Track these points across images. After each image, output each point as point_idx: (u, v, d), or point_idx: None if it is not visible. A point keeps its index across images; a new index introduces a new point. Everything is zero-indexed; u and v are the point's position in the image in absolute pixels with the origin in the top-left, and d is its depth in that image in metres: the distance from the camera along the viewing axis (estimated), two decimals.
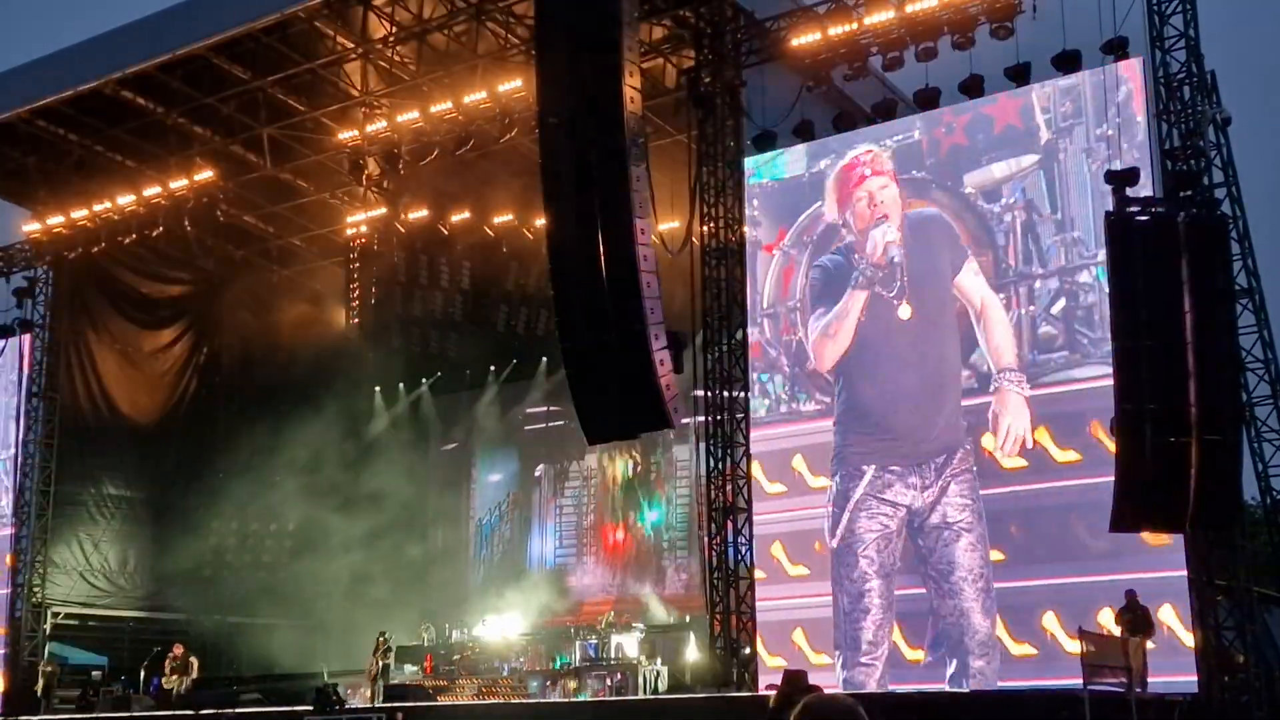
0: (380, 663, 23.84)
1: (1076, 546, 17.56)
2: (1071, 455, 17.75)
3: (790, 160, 21.15)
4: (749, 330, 20.76)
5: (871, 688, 18.23)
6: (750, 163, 21.38)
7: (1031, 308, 18.61)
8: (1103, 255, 17.15)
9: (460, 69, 24.25)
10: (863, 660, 18.75)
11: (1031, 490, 18.02)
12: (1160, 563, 16.88)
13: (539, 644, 25.56)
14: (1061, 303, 18.43)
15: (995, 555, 18.15)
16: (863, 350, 19.64)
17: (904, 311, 19.25)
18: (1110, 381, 15.33)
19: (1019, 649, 17.80)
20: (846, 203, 20.13)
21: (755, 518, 20.17)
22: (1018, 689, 17.01)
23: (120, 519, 30.27)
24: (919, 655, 18.49)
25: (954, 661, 18.09)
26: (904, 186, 19.82)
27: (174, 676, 25.28)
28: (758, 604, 19.83)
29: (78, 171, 27.82)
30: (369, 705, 22.03)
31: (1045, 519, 17.95)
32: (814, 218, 20.67)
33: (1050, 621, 17.51)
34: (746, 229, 21.15)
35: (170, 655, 25.65)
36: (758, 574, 19.92)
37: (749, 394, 20.63)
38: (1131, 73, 18.22)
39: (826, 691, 4.28)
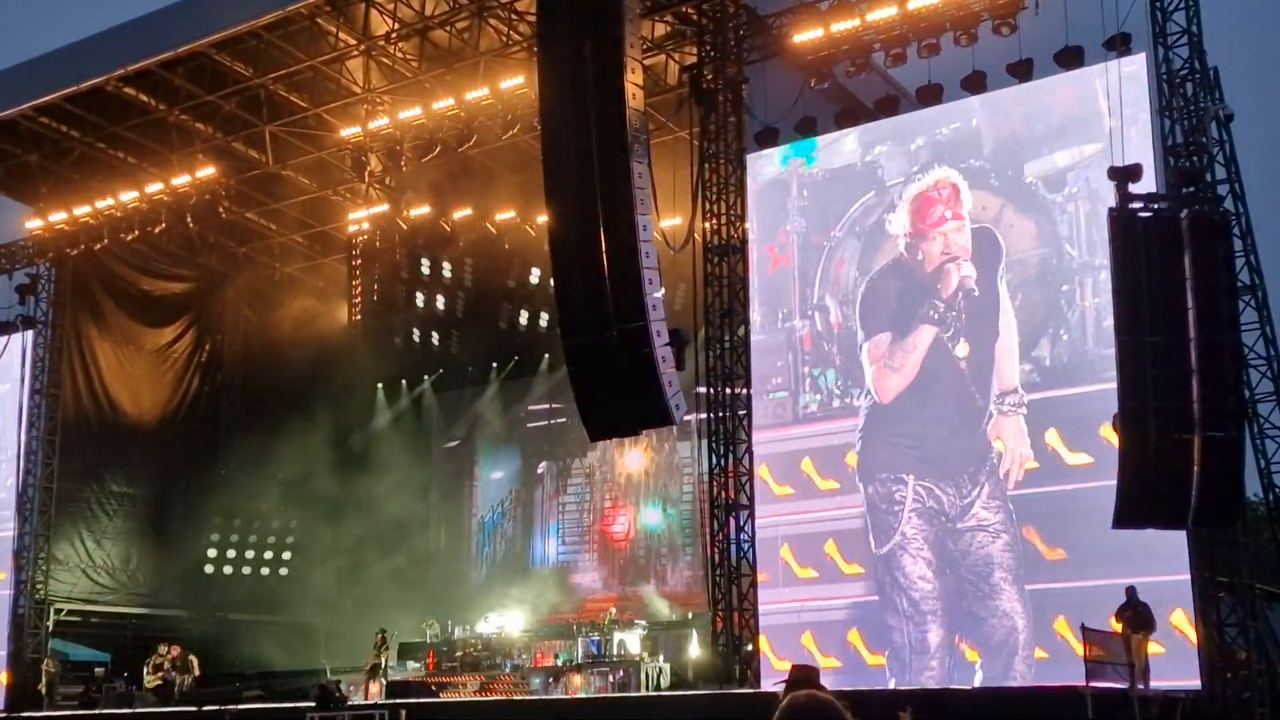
0: (374, 660, 23.88)
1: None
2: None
3: (838, 148, 20.75)
4: (801, 324, 20.56)
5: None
6: (779, 152, 21.16)
7: (1096, 300, 18.05)
8: None
9: (462, 66, 24.25)
10: (931, 665, 18.41)
11: (1091, 488, 17.37)
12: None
13: (541, 641, 25.56)
14: None
15: (1057, 553, 17.89)
16: (921, 383, 19.28)
17: (961, 350, 18.89)
18: None
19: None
20: (920, 235, 19.50)
21: (765, 519, 20.11)
22: (1021, 686, 17.00)
23: (123, 516, 30.29)
24: (975, 657, 18.27)
25: (1000, 661, 17.97)
26: (963, 176, 19.44)
27: (155, 676, 25.20)
28: (767, 607, 19.76)
29: (80, 168, 27.84)
30: (372, 702, 22.04)
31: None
32: (866, 208, 20.28)
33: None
34: (797, 219, 20.98)
35: (156, 653, 25.63)
36: (762, 576, 19.86)
37: (750, 390, 20.61)
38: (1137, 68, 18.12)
39: (817, 691, 4.25)
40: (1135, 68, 18.19)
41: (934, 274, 19.28)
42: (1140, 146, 17.35)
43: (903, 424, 19.30)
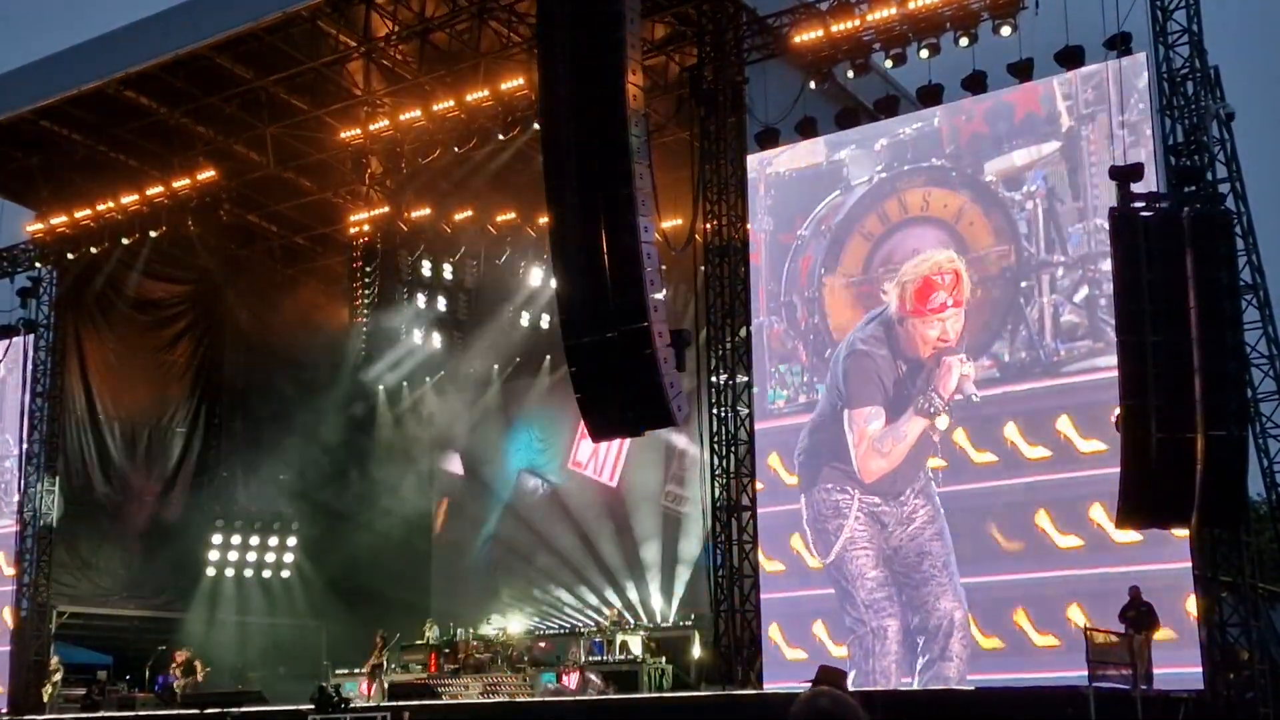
0: (374, 662, 23.92)
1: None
2: (1096, 445, 17.60)
3: (805, 151, 21.00)
4: (768, 320, 20.70)
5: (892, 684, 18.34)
6: (756, 159, 21.34)
7: (1054, 296, 18.52)
8: None
9: (462, 67, 24.25)
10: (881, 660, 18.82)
11: (1056, 480, 17.93)
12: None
13: (544, 642, 25.57)
14: (1084, 291, 18.31)
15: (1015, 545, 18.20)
16: (903, 466, 19.30)
17: (942, 422, 19.00)
18: None
19: (988, 643, 18.14)
20: (915, 315, 19.38)
21: (773, 510, 20.13)
22: (1022, 686, 16.98)
23: (124, 518, 30.26)
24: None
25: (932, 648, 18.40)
26: (925, 174, 19.67)
27: (184, 680, 25.39)
28: (778, 596, 19.81)
29: (81, 171, 27.83)
30: (374, 704, 22.05)
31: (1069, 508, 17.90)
32: (833, 207, 20.49)
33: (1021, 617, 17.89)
34: (764, 218, 21.06)
35: (173, 661, 25.72)
36: (776, 565, 19.89)
37: (753, 390, 20.61)
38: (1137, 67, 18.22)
39: (824, 689, 4.23)
40: (1092, 70, 18.57)
41: (929, 363, 19.16)
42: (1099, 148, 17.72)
43: (849, 464, 19.67)
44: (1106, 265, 17.38)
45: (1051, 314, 18.52)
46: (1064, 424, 18.01)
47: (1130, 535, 16.52)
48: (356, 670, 24.71)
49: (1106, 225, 17.01)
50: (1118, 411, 15.03)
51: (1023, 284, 18.76)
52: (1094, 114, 18.47)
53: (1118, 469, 14.94)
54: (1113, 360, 16.81)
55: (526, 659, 24.52)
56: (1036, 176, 18.89)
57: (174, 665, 25.65)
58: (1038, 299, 18.63)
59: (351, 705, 21.04)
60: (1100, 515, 17.18)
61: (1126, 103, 17.93)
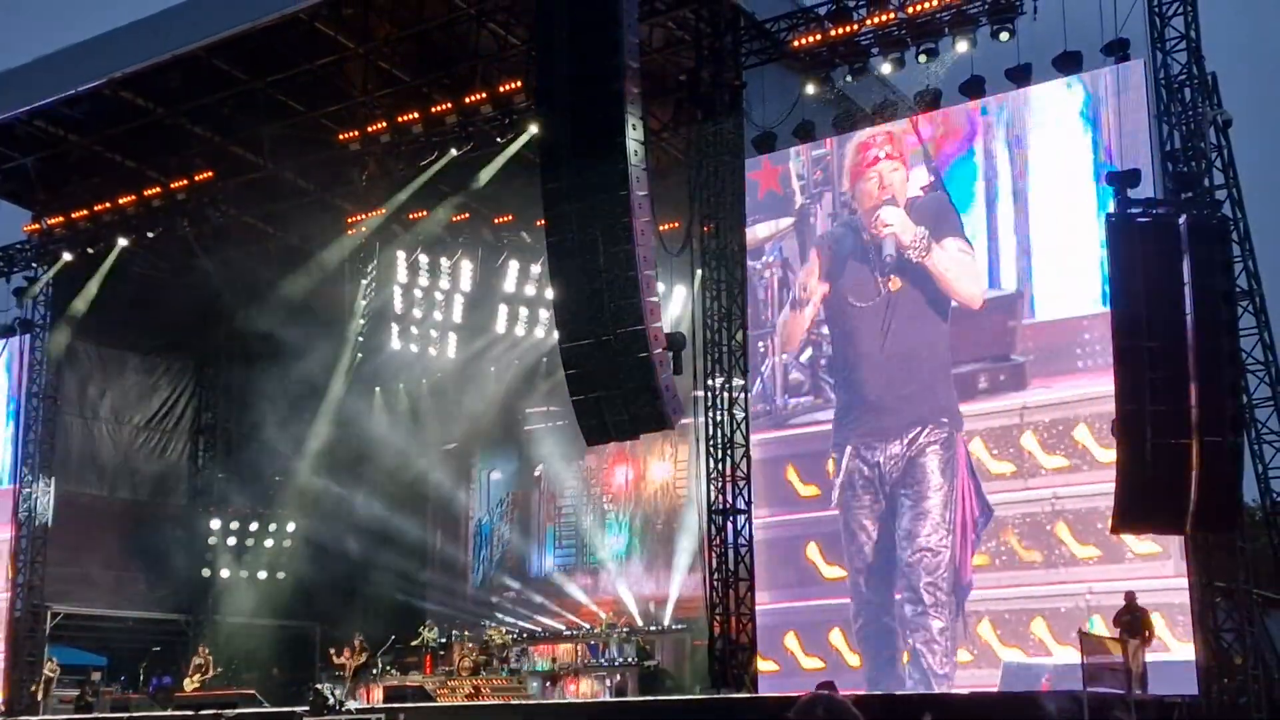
0: (353, 665, 23.90)
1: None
2: (813, 490, 19.75)
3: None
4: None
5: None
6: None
7: (784, 356, 20.46)
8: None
9: (460, 69, 24.22)
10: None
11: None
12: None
13: (539, 645, 25.57)
14: (809, 352, 20.21)
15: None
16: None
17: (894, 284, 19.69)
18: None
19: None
20: (857, 181, 20.32)
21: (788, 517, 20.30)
22: (1018, 691, 16.99)
23: (120, 519, 30.22)
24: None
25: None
26: None
27: (195, 676, 25.43)
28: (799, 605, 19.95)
29: (77, 172, 27.80)
30: (369, 705, 22.04)
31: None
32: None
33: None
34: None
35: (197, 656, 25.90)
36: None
37: (748, 393, 20.62)
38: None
39: (820, 694, 4.24)
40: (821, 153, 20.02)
41: (868, 215, 20.22)
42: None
43: None
44: (826, 330, 20.15)
45: (782, 371, 20.54)
46: (791, 474, 20.15)
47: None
48: (337, 673, 24.66)
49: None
50: (1114, 417, 15.04)
51: (759, 344, 20.72)
52: (821, 192, 20.67)
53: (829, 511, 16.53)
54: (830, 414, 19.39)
55: (521, 661, 24.51)
56: (774, 248, 20.92)
57: (194, 665, 25.72)
58: (771, 357, 20.64)
59: (346, 708, 21.02)
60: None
61: (1123, 109, 17.98)
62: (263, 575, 31.78)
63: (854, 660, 18.96)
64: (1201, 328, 14.63)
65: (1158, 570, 17.17)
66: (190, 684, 25.45)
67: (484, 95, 23.71)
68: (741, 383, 20.64)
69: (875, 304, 19.60)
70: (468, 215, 29.48)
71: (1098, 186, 17.90)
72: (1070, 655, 15.83)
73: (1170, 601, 16.74)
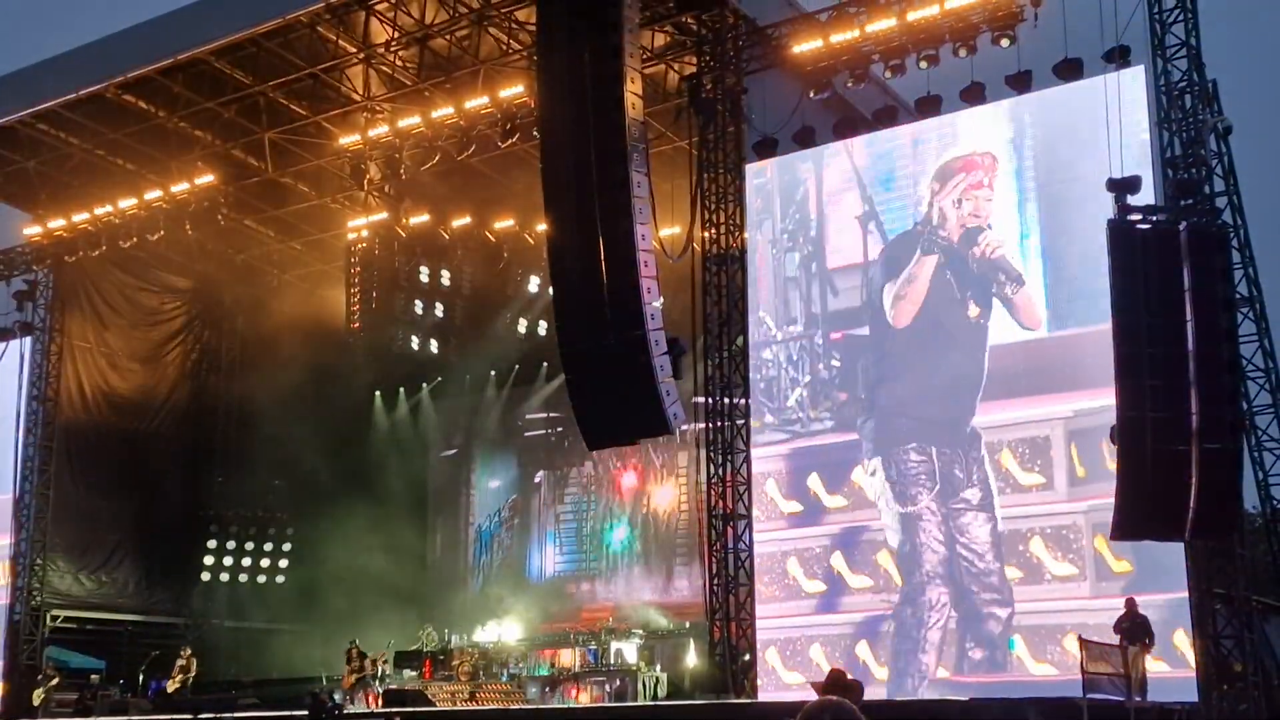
0: (355, 675, 23.84)
1: None
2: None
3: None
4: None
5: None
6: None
7: None
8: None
9: (462, 74, 24.27)
10: None
11: None
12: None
13: (538, 649, 25.53)
14: None
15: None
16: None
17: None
18: None
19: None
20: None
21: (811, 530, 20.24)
22: (1016, 698, 16.97)
23: (120, 522, 30.19)
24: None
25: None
26: None
27: (178, 677, 25.40)
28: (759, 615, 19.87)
29: (79, 175, 27.82)
30: (369, 710, 22.02)
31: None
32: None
33: None
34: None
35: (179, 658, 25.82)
36: (818, 586, 19.96)
37: (749, 399, 20.62)
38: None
39: (829, 700, 4.24)
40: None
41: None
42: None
43: None
44: (767, 354, 20.75)
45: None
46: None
47: None
48: (334, 677, 24.62)
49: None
50: (1114, 423, 15.04)
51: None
52: (761, 221, 21.31)
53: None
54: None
55: (521, 666, 24.48)
56: None
57: (177, 666, 25.68)
58: None
59: (345, 712, 21.01)
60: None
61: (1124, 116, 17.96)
62: (261, 579, 31.77)
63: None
64: (1202, 334, 14.64)
65: (1073, 591, 17.69)
66: (172, 685, 25.39)
67: (486, 99, 23.76)
68: (742, 387, 20.65)
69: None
70: (469, 218, 29.50)
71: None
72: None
73: (1085, 623, 16.88)
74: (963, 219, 19.50)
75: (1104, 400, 16.04)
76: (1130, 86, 18.03)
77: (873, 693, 18.34)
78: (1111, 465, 16.02)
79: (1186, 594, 16.82)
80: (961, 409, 18.91)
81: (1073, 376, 18.03)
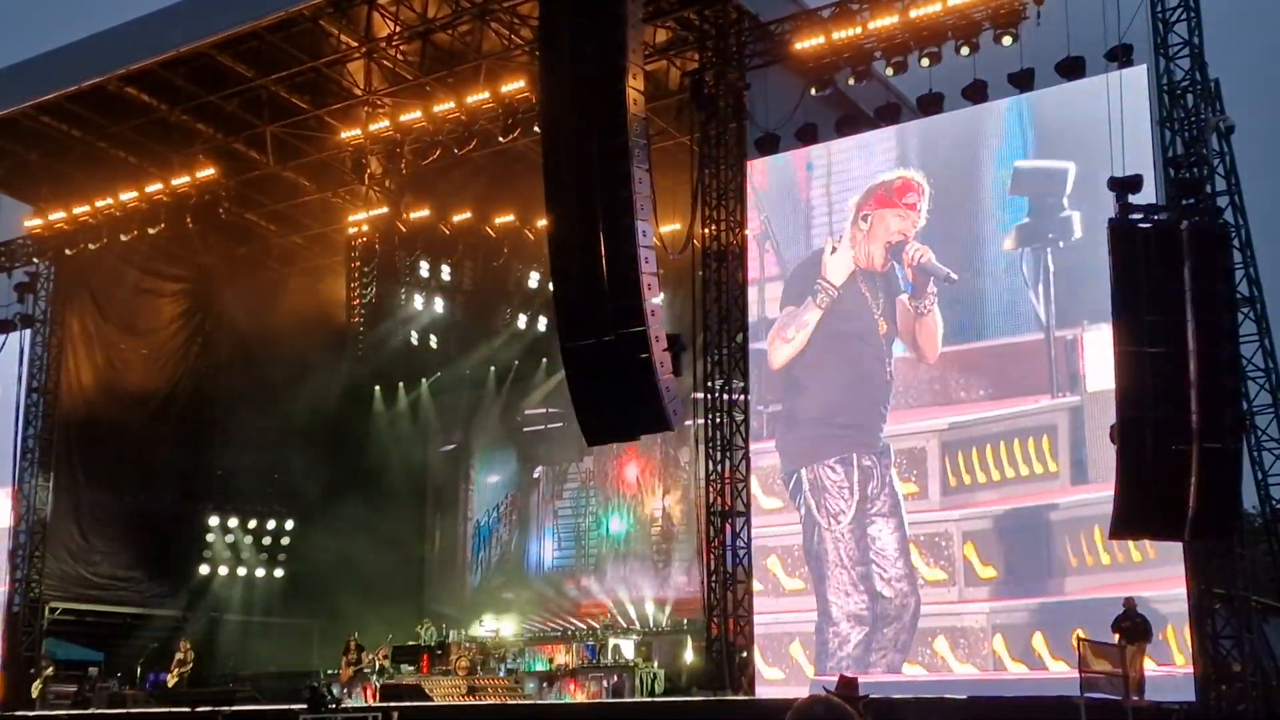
0: (353, 669, 23.85)
1: None
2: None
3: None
4: None
5: None
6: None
7: None
8: None
9: (464, 69, 24.24)
10: None
11: None
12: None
13: (536, 645, 25.54)
14: None
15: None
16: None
17: None
18: None
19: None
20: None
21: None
22: (1013, 696, 16.98)
23: (118, 515, 30.17)
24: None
25: None
26: None
27: (176, 670, 25.44)
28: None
29: (80, 167, 27.79)
30: (365, 704, 22.02)
31: None
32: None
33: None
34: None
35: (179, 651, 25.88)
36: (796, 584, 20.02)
37: (748, 395, 20.62)
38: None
39: (819, 696, 4.24)
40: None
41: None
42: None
43: None
44: None
45: None
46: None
47: None
48: (331, 671, 24.61)
49: None
50: (1114, 422, 15.02)
51: None
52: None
53: None
54: None
55: (519, 661, 24.48)
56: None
57: (175, 659, 25.72)
58: None
59: (343, 705, 21.02)
60: None
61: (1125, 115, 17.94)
62: (260, 572, 31.77)
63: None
64: (1202, 334, 14.62)
65: (943, 596, 18.44)
66: (171, 678, 25.45)
67: (487, 94, 23.75)
68: (742, 384, 20.64)
69: None
70: (469, 213, 29.50)
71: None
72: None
73: (954, 625, 17.63)
74: (888, 235, 19.97)
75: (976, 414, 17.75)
76: (1133, 85, 18.02)
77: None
78: (982, 477, 17.42)
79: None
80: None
81: (944, 391, 18.96)
